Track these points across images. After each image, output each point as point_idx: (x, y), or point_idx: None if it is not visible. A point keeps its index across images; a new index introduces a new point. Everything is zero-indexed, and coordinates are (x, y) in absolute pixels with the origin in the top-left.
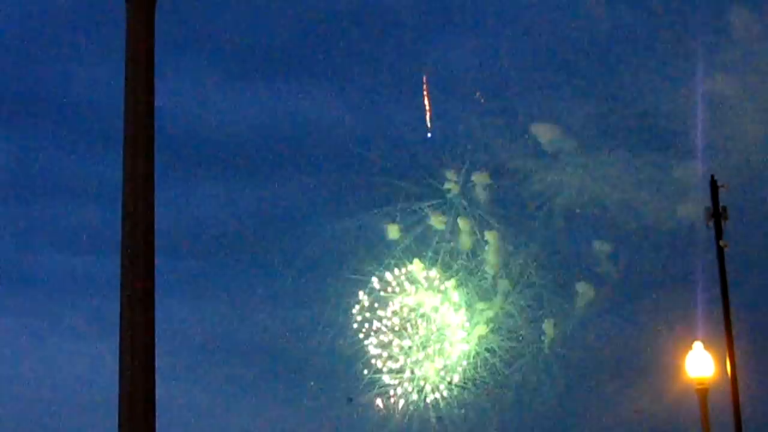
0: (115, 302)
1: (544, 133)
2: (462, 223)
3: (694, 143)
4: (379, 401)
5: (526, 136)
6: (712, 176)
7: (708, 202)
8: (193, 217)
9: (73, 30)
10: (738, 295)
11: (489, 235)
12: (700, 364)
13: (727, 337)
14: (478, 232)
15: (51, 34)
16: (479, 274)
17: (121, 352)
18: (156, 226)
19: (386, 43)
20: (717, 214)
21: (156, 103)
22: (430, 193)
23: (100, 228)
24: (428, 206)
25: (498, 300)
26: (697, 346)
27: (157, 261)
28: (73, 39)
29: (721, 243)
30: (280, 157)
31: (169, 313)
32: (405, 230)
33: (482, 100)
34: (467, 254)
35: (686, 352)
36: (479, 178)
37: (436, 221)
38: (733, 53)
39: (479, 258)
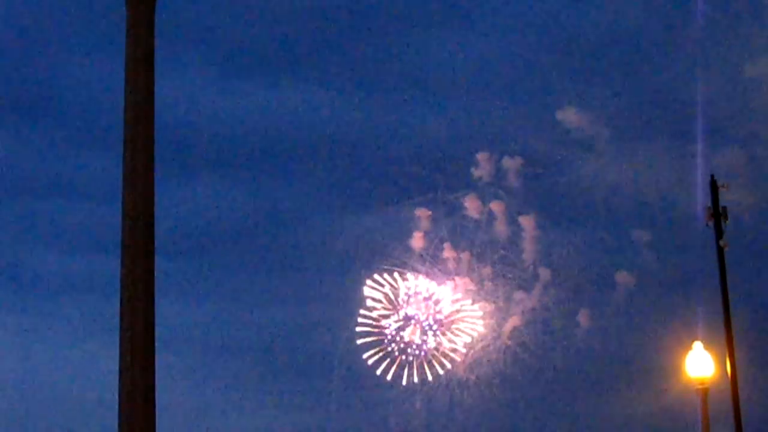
0: (115, 302)
1: (575, 121)
2: (496, 209)
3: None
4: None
5: (557, 125)
6: (712, 176)
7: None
8: (194, 216)
9: (73, 30)
10: (738, 295)
11: (524, 221)
12: (700, 364)
13: (727, 337)
14: (509, 219)
15: (51, 34)
16: (518, 263)
17: (121, 352)
18: (156, 226)
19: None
20: (717, 214)
21: (155, 103)
22: (461, 182)
23: (100, 228)
24: (460, 194)
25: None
26: (697, 346)
27: (157, 261)
28: (72, 39)
29: (721, 243)
30: (282, 155)
31: (169, 313)
32: (436, 219)
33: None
34: (503, 243)
35: (686, 352)
36: (511, 164)
37: (470, 208)
38: None
39: (516, 246)
